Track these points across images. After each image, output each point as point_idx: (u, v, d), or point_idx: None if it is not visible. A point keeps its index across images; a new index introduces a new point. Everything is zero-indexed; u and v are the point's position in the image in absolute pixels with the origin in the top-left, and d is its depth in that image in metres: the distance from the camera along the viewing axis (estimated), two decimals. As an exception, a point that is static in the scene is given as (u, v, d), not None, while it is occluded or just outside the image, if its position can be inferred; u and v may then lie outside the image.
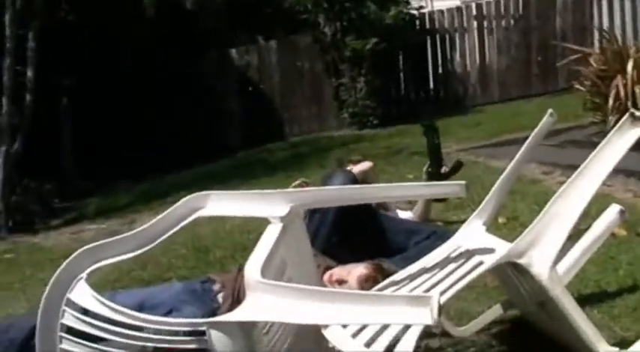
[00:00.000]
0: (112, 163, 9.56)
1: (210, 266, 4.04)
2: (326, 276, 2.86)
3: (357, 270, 2.82)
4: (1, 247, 6.14)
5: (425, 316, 1.59)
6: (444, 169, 3.97)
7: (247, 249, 4.22)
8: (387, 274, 2.78)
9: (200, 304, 2.76)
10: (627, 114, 2.19)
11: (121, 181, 8.96)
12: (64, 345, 2.03)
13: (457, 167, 4.05)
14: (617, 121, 5.97)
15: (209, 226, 4.83)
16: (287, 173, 6.87)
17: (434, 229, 3.60)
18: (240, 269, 2.91)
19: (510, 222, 4.08)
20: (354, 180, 3.51)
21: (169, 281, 3.86)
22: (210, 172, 8.12)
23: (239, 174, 7.58)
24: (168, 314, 2.51)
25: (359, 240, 3.38)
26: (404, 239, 3.52)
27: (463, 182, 2.16)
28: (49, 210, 7.95)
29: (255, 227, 4.60)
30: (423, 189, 2.34)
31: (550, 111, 2.43)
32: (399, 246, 3.49)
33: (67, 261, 2.05)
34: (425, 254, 3.27)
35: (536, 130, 2.42)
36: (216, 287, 2.86)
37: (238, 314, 1.83)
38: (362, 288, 2.76)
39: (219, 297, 2.80)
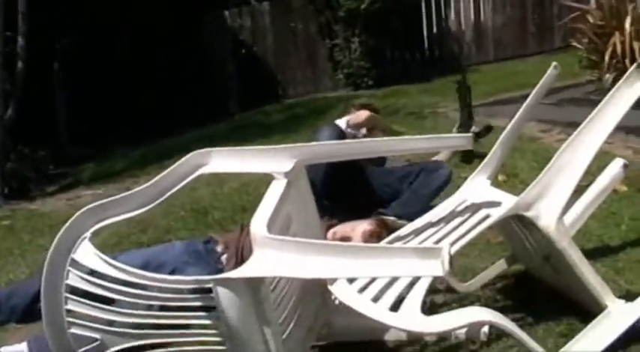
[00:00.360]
0: (108, 128, 9.50)
1: (210, 228, 4.04)
2: (329, 234, 2.86)
3: (361, 226, 2.82)
4: (-1, 214, 6.12)
5: (436, 268, 1.58)
6: (473, 129, 3.95)
7: (246, 210, 4.24)
8: (391, 229, 2.78)
9: (204, 265, 2.75)
10: (635, 65, 2.16)
11: (116, 146, 8.91)
12: (70, 306, 2.02)
13: (487, 129, 4.02)
14: (614, 79, 6.03)
15: (207, 188, 4.82)
16: (283, 135, 6.84)
17: (422, 166, 3.64)
18: (243, 228, 2.90)
19: (511, 179, 4.07)
20: (341, 133, 3.56)
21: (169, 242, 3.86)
22: (206, 135, 8.07)
23: (235, 136, 7.54)
24: (171, 274, 2.50)
25: (352, 198, 3.40)
26: (397, 185, 3.55)
27: (470, 134, 2.13)
28: (44, 176, 7.90)
29: (253, 188, 4.61)
30: (430, 141, 2.31)
31: (554, 63, 2.40)
32: (395, 193, 3.51)
33: (70, 220, 2.03)
34: (420, 193, 3.34)
35: (540, 83, 2.39)
36: (220, 247, 2.85)
37: (245, 271, 1.81)
38: (372, 235, 2.77)
39: (223, 258, 2.79)
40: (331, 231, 2.88)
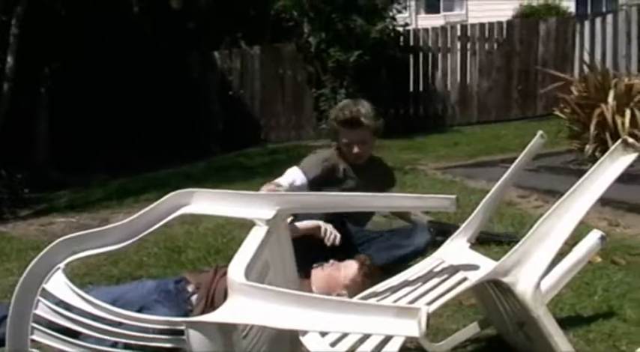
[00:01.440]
0: (87, 157, 9.44)
1: (183, 267, 3.99)
2: (316, 269, 2.87)
3: (352, 264, 2.87)
4: (-32, 235, 6.00)
5: (412, 328, 1.57)
6: None
7: (220, 251, 4.21)
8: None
9: (172, 305, 2.73)
10: (620, 141, 2.19)
11: (95, 175, 8.84)
12: (36, 336, 1.97)
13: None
14: (594, 150, 6.10)
15: (182, 227, 4.79)
16: (264, 178, 6.74)
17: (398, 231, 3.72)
18: (216, 270, 2.88)
19: (486, 242, 4.08)
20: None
21: (140, 280, 3.81)
22: (186, 173, 8.05)
23: (215, 176, 7.53)
24: (139, 312, 2.46)
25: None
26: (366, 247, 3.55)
27: (454, 196, 2.14)
28: (18, 199, 7.80)
29: (227, 231, 4.59)
30: (414, 201, 2.32)
31: (540, 132, 2.43)
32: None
33: (45, 249, 2.00)
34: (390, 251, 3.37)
35: (525, 150, 2.41)
36: (191, 287, 2.82)
37: (219, 315, 1.79)
38: (360, 265, 2.80)
39: (193, 299, 2.77)
40: (318, 266, 2.90)
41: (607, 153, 2.18)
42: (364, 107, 3.66)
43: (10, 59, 7.30)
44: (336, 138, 3.73)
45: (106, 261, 4.03)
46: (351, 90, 9.97)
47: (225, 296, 2.33)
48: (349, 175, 3.72)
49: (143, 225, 2.06)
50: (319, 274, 2.94)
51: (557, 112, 6.89)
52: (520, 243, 2.15)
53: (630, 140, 2.16)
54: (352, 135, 3.60)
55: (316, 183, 3.59)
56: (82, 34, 9.76)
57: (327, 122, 3.89)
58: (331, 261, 3.00)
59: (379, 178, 3.83)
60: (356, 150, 3.62)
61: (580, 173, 5.53)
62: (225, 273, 2.61)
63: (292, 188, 3.49)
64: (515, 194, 5.35)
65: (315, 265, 2.98)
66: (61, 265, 1.99)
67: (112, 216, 5.90)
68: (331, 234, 3.14)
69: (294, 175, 3.57)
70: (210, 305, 2.69)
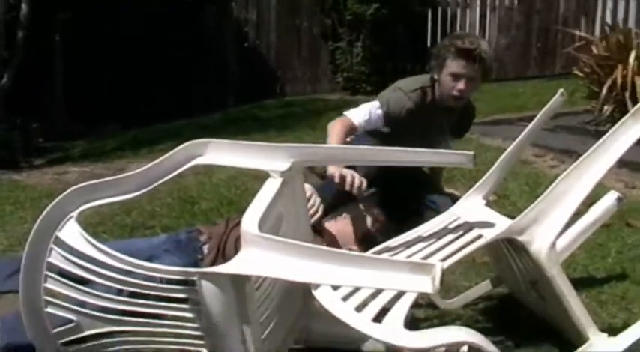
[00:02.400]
0: (103, 107, 9.42)
1: (195, 218, 4.01)
2: (329, 222, 2.88)
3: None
4: (-18, 182, 6.04)
5: (426, 284, 1.56)
6: None
7: (233, 203, 4.22)
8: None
9: (182, 254, 2.74)
10: (640, 104, 2.15)
11: (110, 125, 8.84)
12: (49, 284, 1.98)
13: None
14: (612, 111, 6.03)
15: (195, 178, 4.79)
16: (279, 131, 6.81)
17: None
18: (228, 222, 2.89)
19: (500, 200, 4.07)
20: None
21: (152, 229, 3.83)
22: (201, 124, 8.02)
23: (230, 128, 7.50)
24: (147, 261, 2.49)
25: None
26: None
27: (471, 152, 2.11)
28: (33, 148, 7.81)
29: (241, 182, 4.59)
30: (430, 155, 2.29)
31: (561, 90, 2.39)
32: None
33: (59, 197, 1.99)
34: None
35: (545, 109, 2.37)
36: (203, 237, 2.84)
37: (232, 266, 1.78)
38: (373, 225, 2.79)
39: (205, 248, 2.78)
40: (332, 220, 2.90)
41: (629, 113, 2.13)
42: (485, 43, 3.38)
43: (24, 6, 7.24)
44: (439, 67, 3.34)
45: (119, 210, 4.04)
46: (368, 44, 9.88)
47: (236, 248, 2.33)
48: (427, 114, 3.40)
49: (157, 175, 2.05)
50: (332, 227, 2.94)
51: (576, 72, 6.80)
52: (537, 201, 2.12)
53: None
54: (466, 69, 3.24)
55: (394, 122, 3.35)
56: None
57: (439, 46, 3.44)
58: (344, 215, 2.99)
59: (457, 124, 3.61)
60: (462, 85, 3.26)
61: (597, 133, 5.50)
62: (237, 225, 2.62)
63: (369, 122, 3.29)
64: (530, 153, 5.31)
65: (327, 218, 2.97)
66: (75, 214, 1.99)
67: (127, 166, 5.90)
68: (354, 179, 2.78)
69: (371, 111, 3.32)
70: (222, 256, 2.70)
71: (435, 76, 3.37)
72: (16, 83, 7.24)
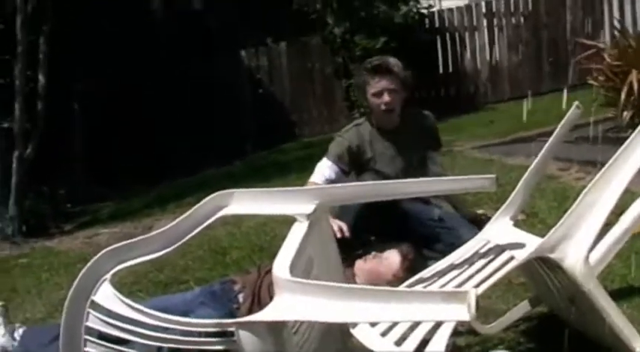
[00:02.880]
0: (125, 168, 9.53)
1: (227, 268, 4.02)
2: (359, 261, 2.87)
3: (394, 248, 2.86)
4: (16, 252, 6.11)
5: (462, 312, 1.55)
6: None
7: (264, 249, 4.23)
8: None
9: (218, 305, 2.75)
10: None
11: (134, 186, 8.93)
12: (89, 348, 2.00)
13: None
14: (632, 116, 5.99)
15: (224, 228, 4.80)
16: (300, 174, 6.80)
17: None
18: (260, 269, 2.91)
19: (530, 218, 4.04)
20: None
21: (186, 284, 3.85)
22: (223, 174, 8.09)
23: (252, 175, 7.55)
24: (182, 316, 2.50)
25: (390, 230, 3.37)
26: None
27: (493, 175, 2.11)
28: (62, 214, 7.90)
29: (270, 228, 4.60)
30: (452, 183, 2.30)
31: (576, 103, 2.39)
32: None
33: (90, 262, 2.02)
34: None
35: (562, 122, 2.37)
36: (237, 287, 2.85)
37: (268, 314, 1.79)
38: (402, 258, 2.78)
39: (240, 297, 2.79)
40: (360, 260, 2.89)
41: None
42: (393, 58, 3.68)
43: (41, 77, 7.38)
44: (363, 94, 3.67)
45: (152, 267, 4.06)
46: (381, 78, 9.92)
47: (270, 294, 2.34)
48: (381, 140, 3.64)
49: (185, 230, 2.07)
50: (362, 267, 2.93)
51: (590, 81, 6.78)
52: (565, 217, 2.11)
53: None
54: (382, 82, 3.52)
55: (351, 163, 3.59)
56: (108, 45, 9.84)
57: (355, 76, 3.95)
58: (373, 253, 2.98)
59: (421, 135, 3.73)
60: (386, 98, 3.51)
61: (619, 141, 5.42)
62: (269, 271, 2.63)
63: (329, 181, 3.48)
64: (555, 167, 5.28)
65: (357, 258, 2.97)
66: (108, 276, 2.01)
67: (156, 223, 5.96)
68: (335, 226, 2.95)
69: (323, 169, 3.57)
70: (257, 303, 2.71)
71: (366, 104, 3.76)
72: (39, 151, 7.36)
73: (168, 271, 4.09)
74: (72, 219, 7.86)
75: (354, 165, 3.63)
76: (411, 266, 2.88)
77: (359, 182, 3.38)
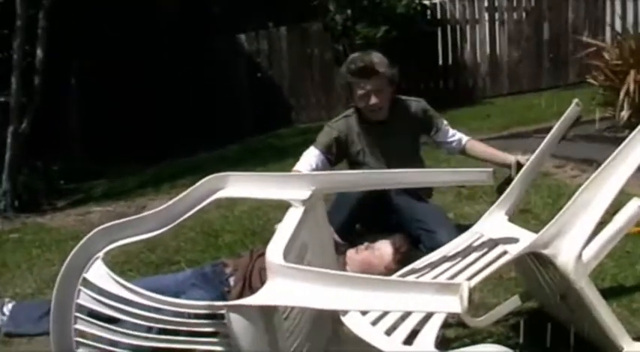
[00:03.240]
0: (121, 146, 9.51)
1: (220, 251, 4.02)
2: (351, 251, 2.86)
3: (387, 239, 2.85)
4: (8, 227, 6.09)
5: (454, 304, 1.56)
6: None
7: (256, 234, 4.23)
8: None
9: (209, 287, 2.76)
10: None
11: (129, 164, 8.91)
12: (79, 325, 2.00)
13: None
14: (629, 117, 5.99)
15: (217, 211, 4.81)
16: (296, 159, 6.81)
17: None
18: (252, 253, 2.91)
19: (523, 213, 4.04)
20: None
21: (178, 265, 3.85)
22: (219, 156, 8.08)
23: (248, 158, 7.55)
24: (175, 297, 2.50)
25: (383, 223, 3.43)
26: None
27: (490, 169, 2.11)
28: (55, 191, 7.88)
29: (263, 213, 4.60)
30: (449, 175, 2.30)
31: (575, 100, 2.39)
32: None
33: (84, 239, 2.02)
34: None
35: (561, 119, 2.37)
36: (229, 270, 2.86)
37: (260, 298, 1.79)
38: (395, 250, 2.77)
39: (231, 280, 2.80)
40: (353, 249, 2.89)
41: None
42: (376, 56, 3.58)
43: (39, 52, 7.33)
44: (350, 93, 3.61)
45: (144, 247, 4.07)
46: (380, 67, 9.89)
47: (261, 278, 2.34)
48: (370, 132, 3.63)
49: (179, 211, 2.07)
50: (353, 257, 2.93)
51: (590, 80, 6.78)
52: (560, 214, 2.11)
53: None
54: (368, 85, 3.48)
55: (338, 153, 3.61)
56: (106, 23, 9.80)
57: (339, 78, 3.77)
58: (365, 244, 2.98)
59: (411, 123, 3.71)
60: (373, 100, 3.50)
61: (616, 140, 5.43)
62: (261, 255, 2.63)
63: (314, 168, 3.50)
64: (550, 164, 5.27)
65: (349, 248, 2.97)
66: (101, 254, 2.01)
67: (149, 203, 5.95)
68: None
69: (309, 157, 3.57)
70: (248, 287, 2.71)
71: (353, 103, 3.64)
72: (35, 127, 7.33)
73: (160, 252, 4.09)
74: (65, 195, 7.84)
75: (343, 156, 3.65)
76: (404, 259, 2.87)
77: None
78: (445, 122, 3.85)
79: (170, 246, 4.17)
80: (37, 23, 7.32)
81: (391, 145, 3.61)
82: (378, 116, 3.60)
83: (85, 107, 10.14)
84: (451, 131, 3.83)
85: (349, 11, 9.99)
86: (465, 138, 3.85)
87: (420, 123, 3.76)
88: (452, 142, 3.83)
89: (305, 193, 2.04)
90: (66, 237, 5.01)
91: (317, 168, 3.49)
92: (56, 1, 7.46)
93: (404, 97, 3.77)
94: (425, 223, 3.38)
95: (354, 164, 3.65)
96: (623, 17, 9.79)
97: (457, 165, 4.76)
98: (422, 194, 3.64)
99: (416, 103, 3.78)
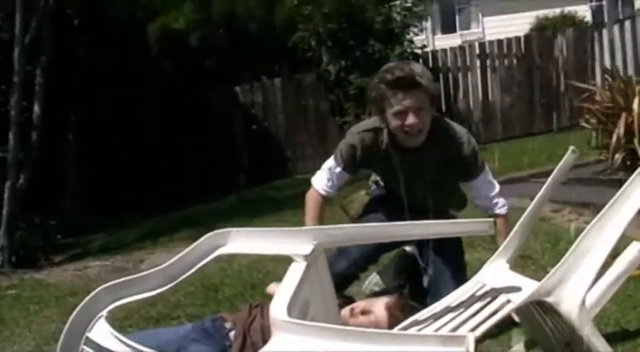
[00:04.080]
0: (118, 199, 9.52)
1: (220, 305, 3.99)
2: (345, 311, 2.81)
3: (382, 300, 2.78)
4: (5, 283, 6.05)
5: (460, 356, 1.55)
6: None
7: (256, 287, 4.20)
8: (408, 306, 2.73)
9: (211, 342, 2.74)
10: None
11: (126, 218, 8.91)
12: (82, 384, 1.98)
13: None
14: (623, 159, 6.03)
15: (216, 264, 4.78)
16: (294, 211, 6.81)
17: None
18: (251, 307, 2.89)
19: (523, 260, 4.03)
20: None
21: (178, 320, 3.81)
22: (215, 209, 8.09)
23: (245, 211, 7.55)
24: (176, 353, 2.49)
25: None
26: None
27: (491, 219, 2.12)
28: (52, 245, 7.87)
29: (263, 266, 4.58)
30: (451, 226, 2.31)
31: (572, 147, 2.41)
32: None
33: (87, 298, 2.01)
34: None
35: (558, 166, 2.39)
36: (228, 324, 2.83)
37: (265, 354, 1.78)
38: (390, 315, 2.70)
39: (231, 335, 2.77)
40: (348, 307, 2.84)
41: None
42: (418, 66, 2.97)
43: (36, 108, 7.40)
44: (381, 109, 2.95)
45: (144, 303, 4.01)
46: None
47: (262, 334, 2.33)
48: (397, 157, 3.05)
49: (182, 268, 2.07)
50: (347, 321, 2.86)
51: (583, 123, 6.84)
52: (562, 261, 2.12)
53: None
54: (407, 100, 2.83)
55: (359, 164, 3.20)
56: (104, 79, 9.90)
57: (370, 88, 3.01)
58: (360, 305, 2.87)
59: (449, 156, 3.06)
60: (411, 119, 2.85)
61: (611, 183, 5.46)
62: (257, 307, 2.63)
63: (334, 185, 3.23)
64: (548, 208, 5.29)
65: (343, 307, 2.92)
66: (104, 313, 2.00)
67: (147, 257, 5.93)
68: None
69: (331, 174, 3.22)
70: (247, 342, 2.69)
71: (383, 124, 3.01)
72: (32, 181, 7.35)
73: (161, 307, 4.05)
74: (62, 250, 7.82)
75: (365, 166, 3.26)
76: (398, 318, 2.76)
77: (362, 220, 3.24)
78: (488, 173, 3.27)
79: (170, 300, 4.14)
80: (34, 79, 7.39)
81: (418, 176, 3.09)
82: (414, 142, 2.97)
83: (82, 161, 10.17)
84: (491, 190, 3.25)
85: (343, 62, 10.11)
86: (496, 210, 3.18)
87: (459, 166, 3.13)
88: (481, 203, 3.27)
89: (307, 248, 2.05)
90: (64, 293, 4.97)
91: (335, 186, 3.23)
92: (53, 58, 7.54)
93: (448, 120, 3.18)
94: (436, 279, 3.04)
95: (378, 174, 3.33)
96: (612, 61, 9.94)
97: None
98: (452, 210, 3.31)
99: (461, 143, 3.10)
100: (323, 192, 3.26)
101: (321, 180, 3.29)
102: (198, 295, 4.24)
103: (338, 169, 3.21)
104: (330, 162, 3.26)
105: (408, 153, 3.02)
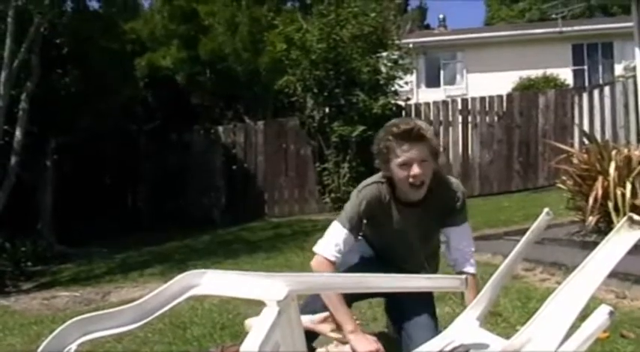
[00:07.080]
0: (92, 231, 9.45)
1: (188, 344, 3.96)
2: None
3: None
4: (-30, 308, 5.97)
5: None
6: None
7: (226, 327, 4.18)
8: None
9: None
10: (625, 218, 2.20)
11: (99, 250, 8.84)
12: None
13: None
14: (597, 222, 6.09)
15: (187, 303, 4.75)
16: (267, 254, 6.82)
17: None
18: (223, 349, 2.88)
19: (493, 316, 4.05)
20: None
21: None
22: (190, 247, 8.05)
23: (219, 250, 7.52)
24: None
25: None
26: None
27: (463, 276, 2.15)
28: (21, 272, 7.78)
29: (234, 307, 4.56)
30: (425, 281, 2.33)
31: (546, 210, 2.45)
32: None
33: (57, 331, 1.99)
34: None
35: (532, 228, 2.43)
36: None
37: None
38: None
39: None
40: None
41: (614, 231, 2.18)
42: (422, 122, 3.07)
43: (18, 133, 7.39)
44: (386, 161, 3.03)
45: (111, 337, 4.00)
46: (354, 165, 10.03)
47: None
48: (397, 211, 3.13)
49: (154, 306, 2.06)
50: None
51: (559, 185, 6.92)
52: (530, 321, 2.14)
53: (636, 217, 2.16)
54: (412, 151, 2.94)
55: (364, 223, 3.19)
56: (87, 109, 9.92)
57: (376, 141, 3.11)
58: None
59: (444, 209, 3.15)
60: (416, 170, 2.94)
61: (584, 244, 5.47)
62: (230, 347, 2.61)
63: (340, 250, 3.13)
64: (520, 267, 5.31)
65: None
66: (73, 346, 1.98)
67: (116, 291, 5.88)
68: None
69: (339, 239, 3.14)
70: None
71: (388, 174, 3.08)
72: (6, 206, 7.29)
73: (127, 342, 4.02)
74: (31, 277, 7.73)
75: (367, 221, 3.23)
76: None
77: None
78: (469, 227, 3.27)
79: (137, 336, 4.10)
80: (18, 104, 7.39)
81: (415, 229, 3.16)
82: (416, 195, 3.05)
83: (59, 190, 10.12)
84: (469, 245, 3.21)
85: (327, 109, 10.20)
86: (467, 268, 3.10)
87: (448, 215, 3.19)
88: (456, 255, 3.19)
89: (280, 294, 2.05)
90: (30, 322, 4.91)
91: (342, 251, 3.13)
92: (39, 84, 7.56)
93: (445, 181, 3.20)
94: (407, 322, 3.05)
95: (372, 229, 3.30)
96: (591, 124, 10.11)
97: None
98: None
99: (454, 196, 3.19)
100: (333, 258, 3.13)
101: (328, 247, 3.17)
102: (166, 333, 4.21)
103: (345, 232, 3.15)
104: (335, 226, 3.20)
105: (408, 207, 3.11)
